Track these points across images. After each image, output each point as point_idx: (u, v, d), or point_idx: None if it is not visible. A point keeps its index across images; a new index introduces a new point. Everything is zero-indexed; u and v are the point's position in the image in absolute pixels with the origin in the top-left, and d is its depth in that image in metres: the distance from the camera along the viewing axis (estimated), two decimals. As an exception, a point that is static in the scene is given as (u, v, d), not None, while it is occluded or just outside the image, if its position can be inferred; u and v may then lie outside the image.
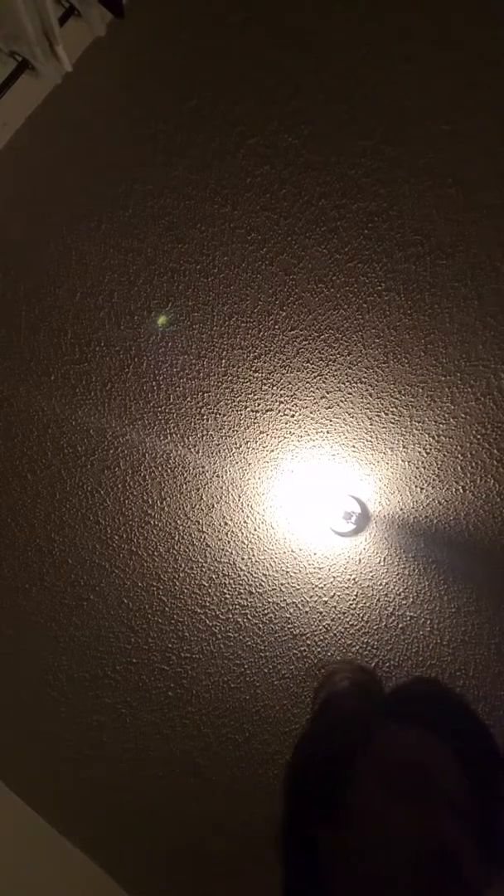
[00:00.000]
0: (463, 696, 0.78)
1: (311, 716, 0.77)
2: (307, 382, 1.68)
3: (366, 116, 1.52)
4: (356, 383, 1.65)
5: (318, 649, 1.82)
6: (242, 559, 1.81)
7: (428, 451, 1.65)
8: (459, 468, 1.65)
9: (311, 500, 1.73)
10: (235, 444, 1.76)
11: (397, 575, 1.71)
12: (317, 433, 1.71)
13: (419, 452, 1.66)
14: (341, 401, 1.67)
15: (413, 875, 0.60)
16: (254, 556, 1.80)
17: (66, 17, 1.46)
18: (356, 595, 1.76)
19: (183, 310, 1.70)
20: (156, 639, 1.90)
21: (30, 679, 2.00)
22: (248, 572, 1.81)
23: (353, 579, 1.75)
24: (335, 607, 1.78)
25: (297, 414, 1.70)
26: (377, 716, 0.72)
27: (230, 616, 1.85)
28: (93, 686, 1.97)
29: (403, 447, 1.66)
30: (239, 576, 1.82)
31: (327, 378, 1.67)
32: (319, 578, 1.77)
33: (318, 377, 1.67)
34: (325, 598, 1.78)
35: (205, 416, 1.75)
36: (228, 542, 1.80)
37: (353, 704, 0.75)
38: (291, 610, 1.81)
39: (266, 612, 1.83)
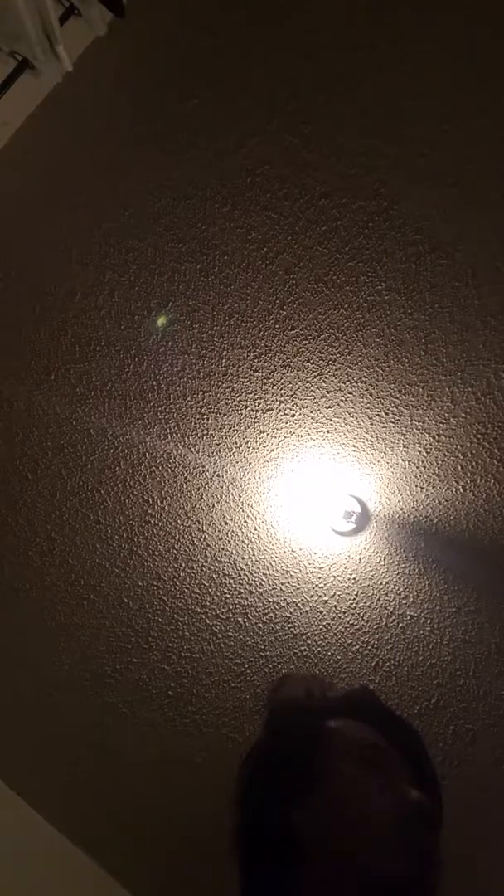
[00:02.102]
0: (385, 701, 0.92)
1: (261, 725, 0.86)
2: (307, 382, 1.68)
3: (366, 116, 1.52)
4: (356, 383, 1.66)
5: (319, 649, 1.82)
6: (243, 559, 1.81)
7: (428, 450, 1.65)
8: (460, 468, 1.65)
9: (311, 499, 1.73)
10: (236, 443, 1.76)
11: (397, 574, 1.72)
12: (317, 433, 1.71)
13: (419, 452, 1.66)
14: (342, 400, 1.67)
15: (398, 833, 0.67)
16: (254, 555, 1.80)
17: (67, 16, 1.46)
18: (356, 594, 1.76)
19: (183, 309, 1.70)
20: (156, 638, 1.90)
21: (30, 678, 2.00)
22: (249, 572, 1.81)
23: (354, 579, 1.75)
24: (335, 607, 1.78)
25: (298, 413, 1.70)
26: (325, 712, 0.82)
27: (230, 615, 1.85)
28: (93, 685, 1.97)
29: (404, 447, 1.66)
30: (239, 575, 1.82)
31: (327, 377, 1.67)
32: (320, 578, 1.77)
33: (319, 376, 1.67)
34: (326, 598, 1.78)
35: (205, 416, 1.75)
36: (229, 541, 1.80)
37: (300, 706, 0.84)
38: (291, 609, 1.81)
39: (266, 611, 1.83)
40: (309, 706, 0.83)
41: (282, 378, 1.69)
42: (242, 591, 1.83)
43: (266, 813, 0.74)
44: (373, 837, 0.68)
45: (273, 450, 1.74)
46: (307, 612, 1.80)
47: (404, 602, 1.73)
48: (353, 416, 1.68)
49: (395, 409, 1.65)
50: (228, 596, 1.84)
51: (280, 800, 0.73)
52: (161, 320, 1.72)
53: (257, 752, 0.81)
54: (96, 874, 2.12)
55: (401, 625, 1.75)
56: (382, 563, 1.72)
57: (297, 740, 0.78)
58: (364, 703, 0.87)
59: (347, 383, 1.66)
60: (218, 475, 1.77)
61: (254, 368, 1.70)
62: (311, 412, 1.69)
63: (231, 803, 0.77)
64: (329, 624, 1.80)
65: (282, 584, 1.80)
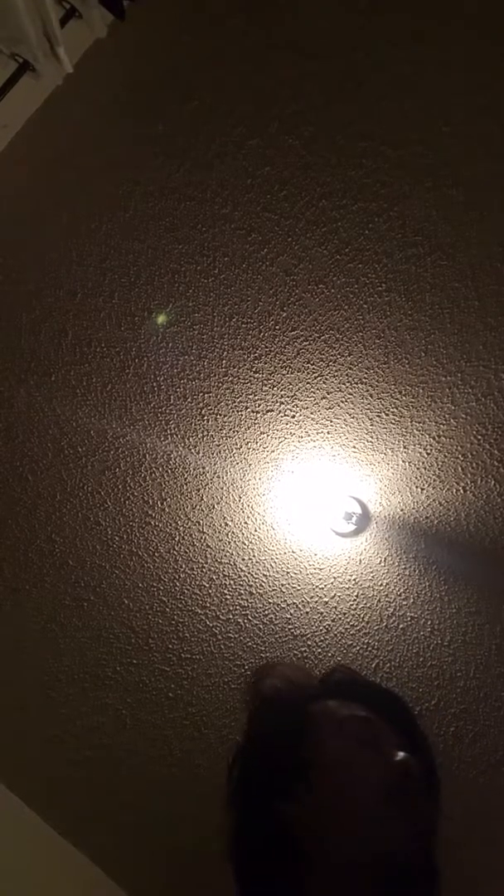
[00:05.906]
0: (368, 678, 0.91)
1: (246, 722, 0.84)
2: (308, 383, 1.68)
3: (366, 117, 1.52)
4: (357, 384, 1.66)
5: (319, 650, 1.82)
6: (243, 560, 1.81)
7: (428, 451, 1.65)
8: (460, 469, 1.65)
9: (311, 500, 1.73)
10: (236, 444, 1.76)
11: (398, 575, 1.71)
12: (317, 434, 1.71)
13: (420, 453, 1.66)
14: (342, 401, 1.67)
15: (389, 799, 0.67)
16: (254, 556, 1.80)
17: (67, 18, 1.46)
18: (357, 596, 1.76)
19: (183, 311, 1.70)
20: (156, 640, 1.90)
21: (30, 680, 2.00)
22: (249, 573, 1.81)
23: (354, 580, 1.75)
24: (336, 608, 1.78)
25: (298, 415, 1.70)
26: (311, 696, 0.82)
27: (231, 617, 1.85)
28: (93, 687, 1.97)
29: (404, 448, 1.66)
30: (239, 576, 1.82)
31: (328, 379, 1.67)
32: (320, 579, 1.77)
33: (319, 378, 1.67)
34: (326, 599, 1.78)
35: (205, 417, 1.75)
36: (229, 542, 1.80)
37: (283, 698, 0.84)
38: (292, 611, 1.81)
39: (266, 612, 1.83)
40: (291, 697, 0.83)
41: (282, 379, 1.69)
42: (243, 592, 1.83)
43: (260, 812, 0.72)
44: (368, 810, 0.67)
45: (273, 451, 1.74)
46: (307, 613, 1.80)
47: (405, 603, 1.73)
48: (353, 418, 1.68)
49: (395, 410, 1.65)
50: (229, 597, 1.84)
51: (273, 796, 0.72)
52: (161, 318, 1.72)
53: (245, 751, 0.80)
54: (96, 876, 2.12)
55: (401, 626, 1.75)
56: (383, 564, 1.72)
57: (284, 734, 0.76)
58: (342, 681, 0.88)
59: (348, 384, 1.66)
60: (218, 476, 1.77)
61: (254, 370, 1.70)
62: (312, 413, 1.69)
63: (224, 806, 0.76)
64: (329, 625, 1.79)
65: (282, 585, 1.80)
